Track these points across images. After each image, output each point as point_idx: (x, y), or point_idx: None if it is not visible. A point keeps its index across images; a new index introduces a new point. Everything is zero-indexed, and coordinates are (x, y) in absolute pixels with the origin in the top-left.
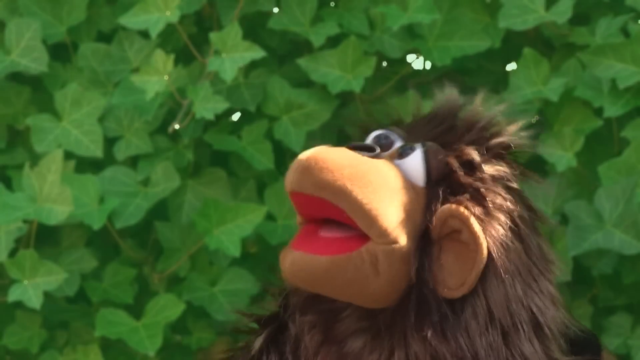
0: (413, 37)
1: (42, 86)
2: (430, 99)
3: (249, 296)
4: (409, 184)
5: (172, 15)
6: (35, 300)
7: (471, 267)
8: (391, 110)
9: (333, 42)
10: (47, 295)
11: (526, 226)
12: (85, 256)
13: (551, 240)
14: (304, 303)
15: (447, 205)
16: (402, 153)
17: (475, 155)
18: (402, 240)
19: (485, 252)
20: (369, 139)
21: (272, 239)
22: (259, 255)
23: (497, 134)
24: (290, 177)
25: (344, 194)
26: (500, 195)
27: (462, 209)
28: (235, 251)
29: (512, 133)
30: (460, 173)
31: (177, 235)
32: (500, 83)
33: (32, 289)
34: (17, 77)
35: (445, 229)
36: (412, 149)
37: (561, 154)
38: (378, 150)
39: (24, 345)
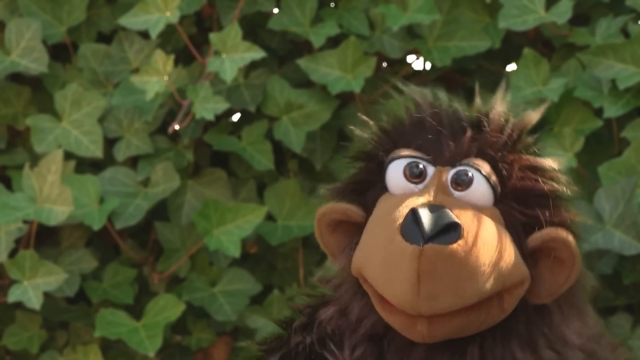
0: (413, 37)
1: (42, 86)
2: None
3: (249, 297)
4: (494, 224)
5: (172, 15)
6: (35, 301)
7: (564, 281)
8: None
9: (333, 42)
10: (47, 295)
11: None
12: (85, 256)
13: None
14: (352, 335)
15: (549, 230)
16: (459, 183)
17: (546, 162)
18: (524, 277)
19: (579, 266)
20: (396, 168)
21: (272, 239)
22: (259, 255)
23: (521, 135)
24: (416, 306)
25: (479, 295)
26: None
27: (564, 233)
28: (235, 251)
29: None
30: (540, 183)
31: (177, 235)
32: (500, 83)
33: (32, 289)
34: (17, 78)
35: (543, 248)
36: (467, 175)
37: (561, 155)
38: (422, 168)
39: (23, 345)
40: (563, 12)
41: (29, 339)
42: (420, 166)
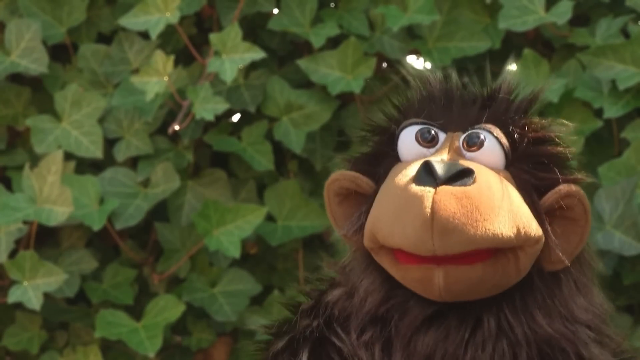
0: (413, 38)
1: (42, 87)
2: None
3: (249, 297)
4: (500, 176)
5: (172, 16)
6: (35, 301)
7: (578, 241)
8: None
9: (333, 43)
10: (47, 296)
11: None
12: (85, 257)
13: None
14: (359, 317)
15: (563, 186)
16: (471, 144)
17: (557, 127)
18: (539, 234)
19: (590, 226)
20: (407, 135)
21: (272, 240)
22: (259, 256)
23: (531, 104)
24: (428, 244)
25: (493, 237)
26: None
27: (576, 187)
28: (235, 252)
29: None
30: (552, 146)
31: (177, 236)
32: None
33: (32, 290)
34: (17, 78)
35: (556, 207)
36: (479, 137)
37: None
38: (434, 133)
39: (24, 346)
40: (563, 13)
41: (29, 340)
42: (432, 131)
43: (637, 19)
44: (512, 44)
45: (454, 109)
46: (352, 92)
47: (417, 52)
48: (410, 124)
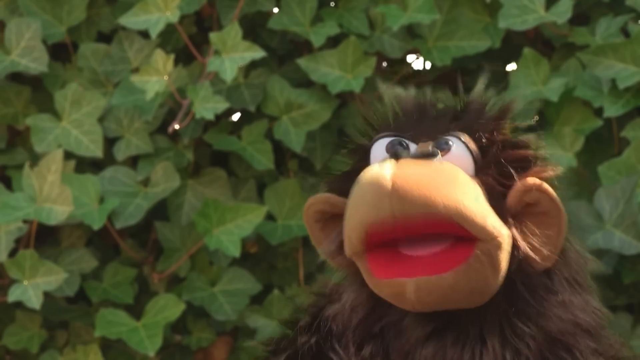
0: (413, 37)
1: (42, 86)
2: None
3: (249, 296)
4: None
5: (172, 15)
6: (35, 300)
7: (557, 233)
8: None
9: (333, 42)
10: (47, 295)
11: None
12: (85, 256)
13: None
14: (355, 332)
15: (521, 182)
16: (439, 149)
17: (526, 138)
18: (506, 230)
19: (565, 214)
20: (379, 148)
21: (272, 239)
22: (259, 255)
23: (503, 116)
24: (386, 205)
25: (455, 205)
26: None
27: (535, 180)
28: (235, 251)
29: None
30: (521, 152)
31: (177, 235)
32: (500, 83)
33: (32, 289)
34: (17, 77)
35: (521, 205)
36: (447, 143)
37: (561, 154)
38: (404, 144)
39: (23, 345)
40: (563, 12)
41: (29, 339)
42: (403, 143)
43: (637, 18)
44: (512, 43)
45: (425, 122)
46: (352, 91)
47: (417, 51)
48: (382, 137)
